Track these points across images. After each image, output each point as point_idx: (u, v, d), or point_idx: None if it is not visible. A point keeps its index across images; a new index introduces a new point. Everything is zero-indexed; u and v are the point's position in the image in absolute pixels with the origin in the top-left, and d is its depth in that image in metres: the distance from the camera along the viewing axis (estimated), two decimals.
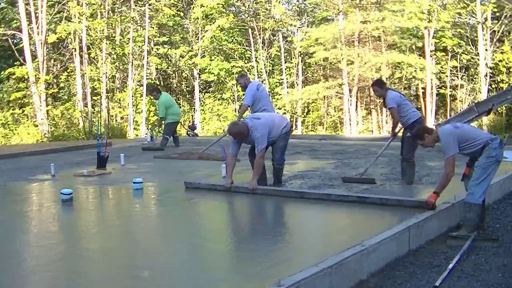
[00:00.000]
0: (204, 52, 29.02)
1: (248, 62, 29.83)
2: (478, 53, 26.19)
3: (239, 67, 29.08)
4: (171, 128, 12.51)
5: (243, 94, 8.59)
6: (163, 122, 12.52)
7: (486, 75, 25.95)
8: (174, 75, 30.78)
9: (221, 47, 29.02)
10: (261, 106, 8.14)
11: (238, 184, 6.82)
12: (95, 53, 24.30)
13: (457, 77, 28.04)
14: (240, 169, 7.76)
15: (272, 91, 29.46)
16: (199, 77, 29.07)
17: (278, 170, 7.03)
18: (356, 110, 29.28)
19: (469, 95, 27.55)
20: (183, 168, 9.36)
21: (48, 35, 22.80)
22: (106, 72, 24.25)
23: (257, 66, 29.28)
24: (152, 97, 14.98)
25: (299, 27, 31.37)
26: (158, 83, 29.56)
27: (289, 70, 30.94)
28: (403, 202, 5.63)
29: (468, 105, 23.86)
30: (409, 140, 6.90)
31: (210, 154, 9.92)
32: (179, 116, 12.96)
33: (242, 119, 7.19)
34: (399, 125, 7.20)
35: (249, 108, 8.34)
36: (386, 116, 29.29)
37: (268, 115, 7.22)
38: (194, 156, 8.73)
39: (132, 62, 25.38)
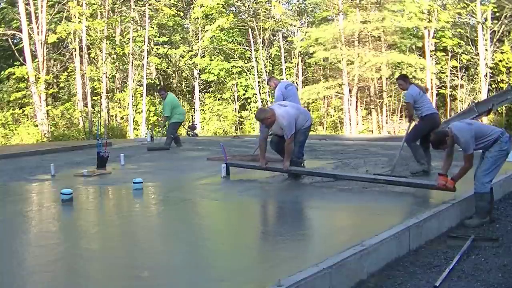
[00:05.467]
0: (204, 52, 29.01)
1: (248, 62, 29.81)
2: (478, 53, 26.17)
3: (239, 67, 29.07)
4: (176, 127, 12.67)
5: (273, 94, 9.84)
6: (167, 121, 12.57)
7: (486, 75, 25.93)
8: (174, 75, 30.77)
9: (221, 47, 29.00)
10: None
11: (273, 164, 7.56)
12: (95, 53, 24.30)
13: (457, 77, 28.01)
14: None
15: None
16: (199, 77, 29.06)
17: (296, 164, 7.35)
18: (356, 110, 29.26)
19: (469, 95, 27.52)
20: (183, 168, 9.38)
21: (48, 35, 22.80)
22: (106, 72, 24.25)
23: (257, 66, 29.25)
24: (160, 96, 15.02)
25: (299, 27, 31.35)
26: (158, 83, 29.56)
27: (289, 70, 30.92)
28: (425, 185, 6.02)
29: (468, 105, 23.84)
30: (416, 128, 7.57)
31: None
32: (184, 117, 13.22)
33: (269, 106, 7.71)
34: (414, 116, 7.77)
35: None
36: (386, 116, 29.34)
37: (293, 104, 7.58)
38: (246, 158, 8.99)
39: (132, 62, 25.37)
